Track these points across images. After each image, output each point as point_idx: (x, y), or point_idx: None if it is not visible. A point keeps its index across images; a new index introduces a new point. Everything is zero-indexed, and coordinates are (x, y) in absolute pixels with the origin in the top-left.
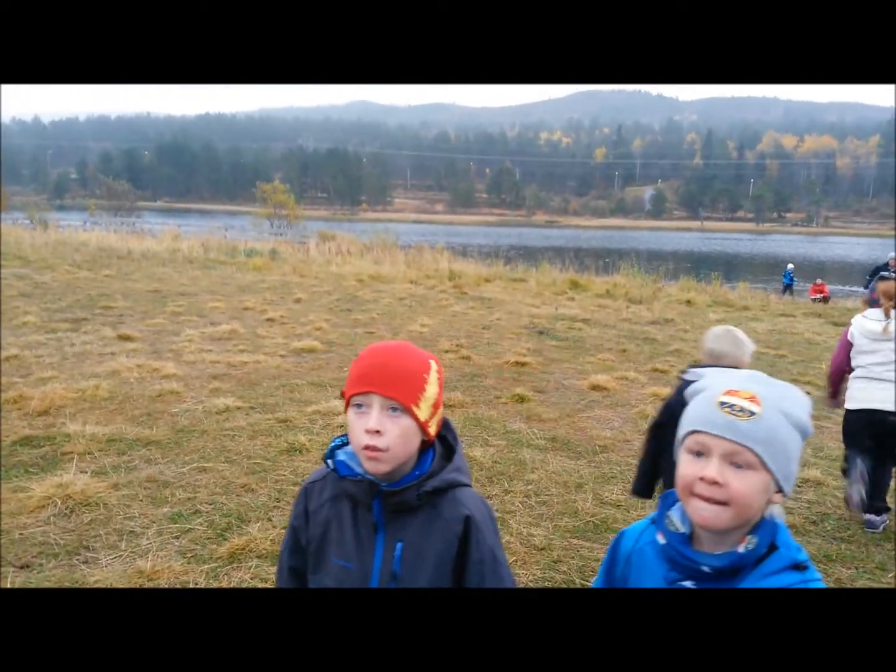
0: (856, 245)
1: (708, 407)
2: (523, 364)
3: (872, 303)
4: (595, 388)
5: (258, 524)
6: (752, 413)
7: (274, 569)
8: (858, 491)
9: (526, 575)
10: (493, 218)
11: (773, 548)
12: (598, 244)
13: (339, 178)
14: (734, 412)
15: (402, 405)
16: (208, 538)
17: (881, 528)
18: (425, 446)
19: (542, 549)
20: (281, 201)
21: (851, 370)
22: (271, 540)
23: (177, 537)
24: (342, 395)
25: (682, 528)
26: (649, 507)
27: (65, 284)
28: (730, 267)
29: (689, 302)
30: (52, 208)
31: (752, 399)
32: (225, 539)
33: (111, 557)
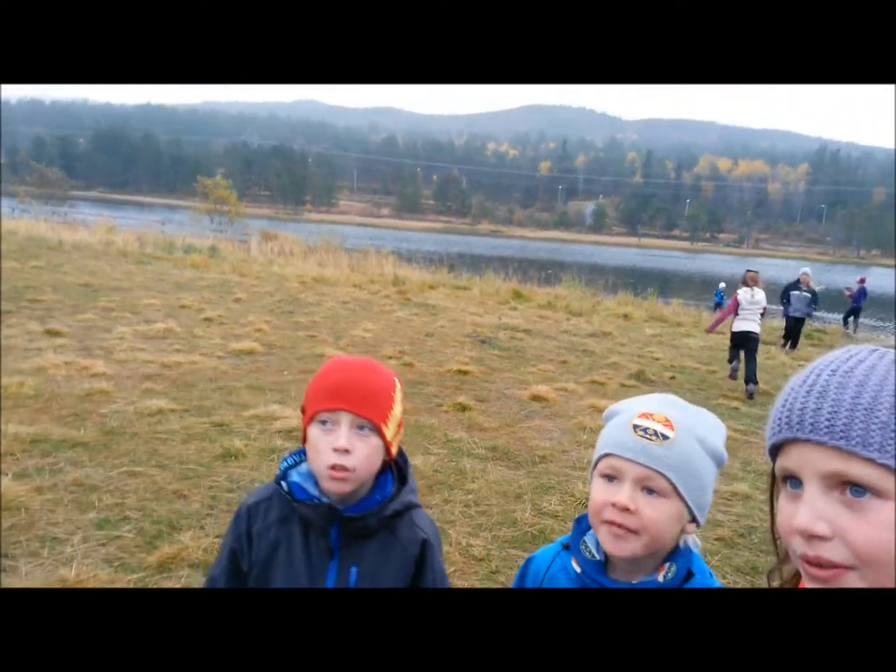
0: (785, 268)
1: (621, 430)
2: (465, 372)
3: (787, 316)
4: (535, 398)
5: (190, 532)
6: (666, 437)
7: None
8: (735, 368)
9: (465, 585)
10: (438, 225)
11: (689, 575)
12: (541, 255)
13: (284, 176)
14: (647, 436)
15: (373, 423)
16: (137, 546)
17: (753, 393)
18: (382, 466)
19: (480, 560)
20: (222, 197)
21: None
22: (204, 549)
23: (103, 545)
24: (302, 410)
25: (598, 556)
26: None
27: None
28: (665, 283)
29: (626, 316)
30: None
31: (667, 423)
32: (155, 547)
33: (32, 565)
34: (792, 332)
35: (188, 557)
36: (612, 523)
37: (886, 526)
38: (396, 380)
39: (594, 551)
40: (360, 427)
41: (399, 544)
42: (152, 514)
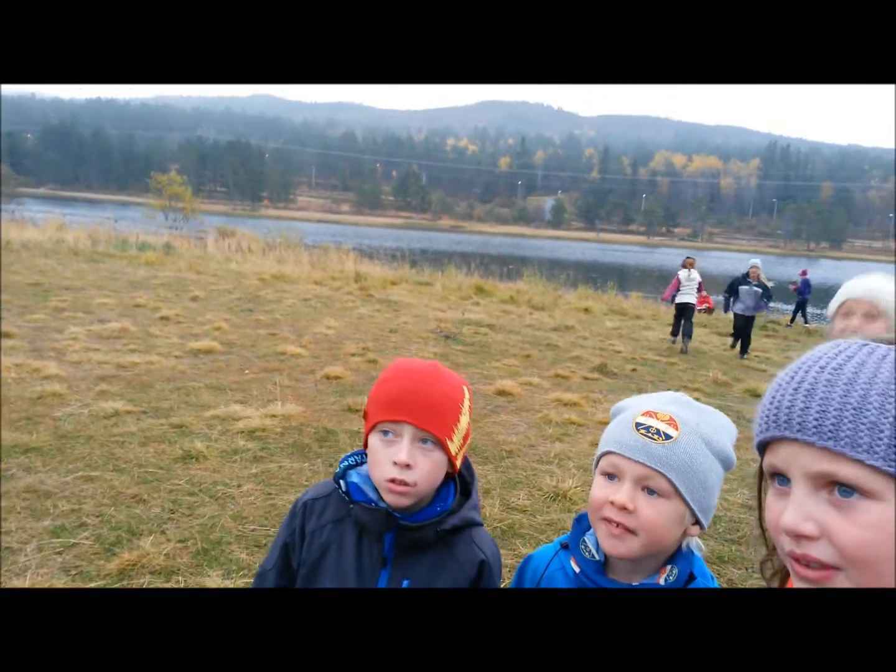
0: (738, 261)
1: (624, 428)
2: None
3: (736, 314)
4: (501, 393)
5: (151, 538)
6: (669, 437)
7: (168, 584)
8: (678, 341)
9: None
10: (398, 220)
11: (691, 578)
12: (502, 250)
13: (240, 172)
14: (649, 434)
15: (436, 437)
16: (95, 553)
17: (687, 347)
18: (444, 478)
19: None
20: (177, 193)
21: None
22: (165, 554)
23: (59, 553)
24: (364, 416)
25: (597, 556)
26: (553, 513)
27: None
28: (623, 277)
29: (586, 310)
30: None
31: (671, 422)
32: (114, 554)
33: None
34: (741, 332)
35: (149, 564)
36: (609, 521)
37: (874, 526)
38: (465, 388)
39: (594, 551)
40: (423, 440)
41: (455, 562)
42: (110, 520)
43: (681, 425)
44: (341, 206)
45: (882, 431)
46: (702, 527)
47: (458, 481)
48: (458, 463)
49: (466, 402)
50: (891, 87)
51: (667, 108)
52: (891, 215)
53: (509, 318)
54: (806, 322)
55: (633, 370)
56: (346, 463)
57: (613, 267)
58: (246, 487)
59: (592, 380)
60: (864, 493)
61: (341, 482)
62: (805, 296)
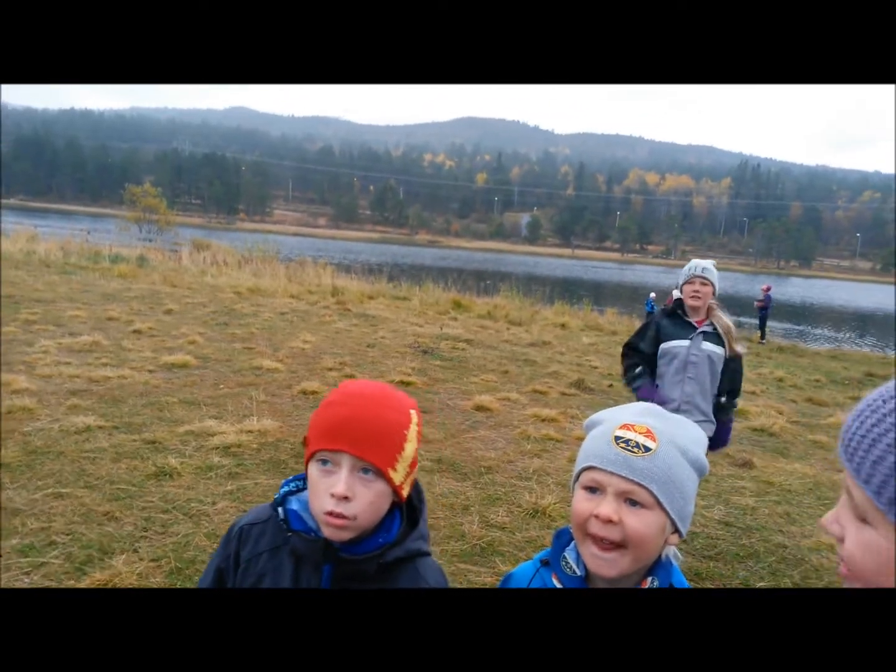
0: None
1: (603, 442)
2: (408, 384)
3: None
4: (479, 408)
5: (123, 556)
6: (648, 449)
7: None
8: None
9: None
10: (376, 235)
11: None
12: (479, 266)
13: (216, 184)
14: (629, 448)
15: (377, 468)
16: (65, 573)
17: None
18: (392, 506)
19: None
20: (151, 205)
21: None
22: (138, 574)
23: (28, 573)
24: (304, 443)
25: (578, 571)
26: (533, 529)
27: None
28: (599, 293)
29: (563, 325)
30: None
31: (648, 434)
32: (84, 573)
33: None
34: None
35: (121, 583)
36: (595, 538)
37: (866, 547)
38: (413, 412)
39: (575, 567)
40: (364, 470)
41: None
42: (81, 539)
43: (658, 436)
44: (318, 219)
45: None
46: (681, 535)
47: (406, 510)
48: (405, 492)
49: (413, 428)
50: (861, 106)
51: (640, 126)
52: (858, 235)
53: (487, 333)
54: (763, 337)
55: (610, 386)
56: (286, 488)
57: (588, 283)
58: (221, 505)
59: (570, 395)
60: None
61: (279, 509)
62: (768, 310)
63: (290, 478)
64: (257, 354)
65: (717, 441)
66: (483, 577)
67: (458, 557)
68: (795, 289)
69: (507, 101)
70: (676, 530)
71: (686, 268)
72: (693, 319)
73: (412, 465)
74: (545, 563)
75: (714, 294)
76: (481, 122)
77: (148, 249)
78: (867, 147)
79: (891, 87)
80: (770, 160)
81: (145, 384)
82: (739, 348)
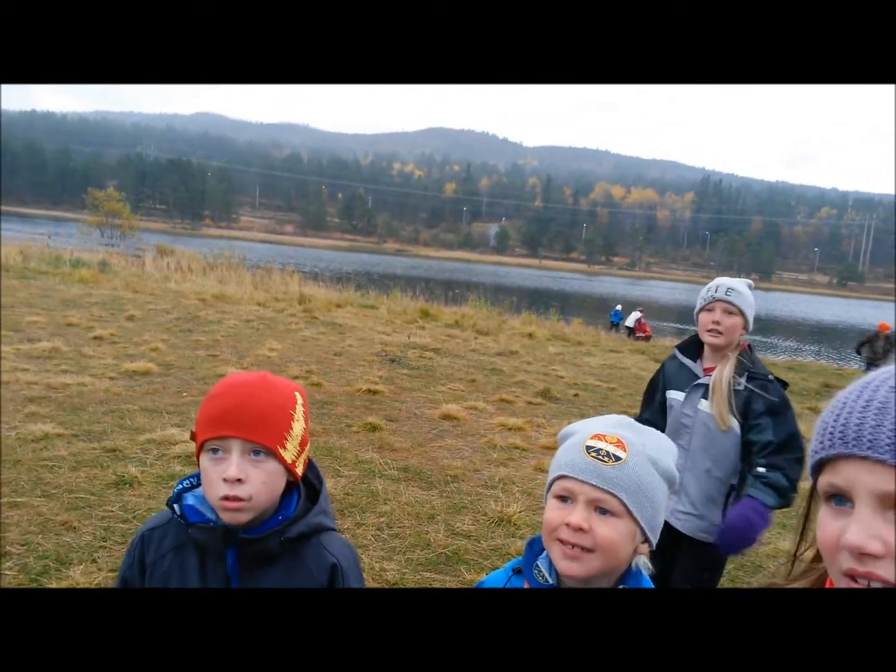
0: (672, 289)
1: (574, 451)
2: (375, 392)
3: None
4: (446, 417)
5: (81, 567)
6: (618, 458)
7: None
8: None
9: None
10: (344, 243)
11: None
12: (447, 275)
13: (181, 190)
14: (600, 457)
15: (267, 448)
16: (20, 584)
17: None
18: (288, 487)
19: (394, 585)
20: (114, 210)
21: None
22: (97, 584)
23: None
24: (192, 437)
25: (550, 580)
26: (498, 538)
27: None
28: (565, 303)
29: (530, 335)
30: None
31: (619, 444)
32: (40, 585)
33: None
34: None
35: None
36: (565, 543)
37: None
38: (297, 393)
39: (547, 575)
40: (255, 452)
41: (305, 569)
42: (37, 549)
43: (628, 447)
44: (285, 226)
45: None
46: (651, 545)
47: (305, 488)
48: (299, 470)
49: (300, 408)
50: (820, 125)
51: (606, 140)
52: (816, 249)
53: (454, 342)
54: None
55: (576, 395)
56: (180, 486)
57: (555, 293)
58: None
59: (536, 404)
60: None
61: (175, 506)
62: None
63: (185, 477)
64: (221, 362)
65: (726, 541)
66: (448, 586)
67: (423, 566)
68: (756, 301)
69: (476, 113)
70: (646, 539)
71: (705, 288)
72: (704, 364)
73: (303, 443)
74: (517, 571)
75: (746, 327)
76: (450, 133)
77: (110, 254)
78: (824, 163)
79: (846, 101)
80: (732, 175)
81: (106, 391)
82: (733, 422)
